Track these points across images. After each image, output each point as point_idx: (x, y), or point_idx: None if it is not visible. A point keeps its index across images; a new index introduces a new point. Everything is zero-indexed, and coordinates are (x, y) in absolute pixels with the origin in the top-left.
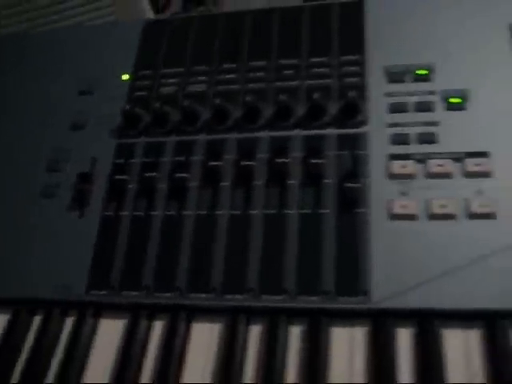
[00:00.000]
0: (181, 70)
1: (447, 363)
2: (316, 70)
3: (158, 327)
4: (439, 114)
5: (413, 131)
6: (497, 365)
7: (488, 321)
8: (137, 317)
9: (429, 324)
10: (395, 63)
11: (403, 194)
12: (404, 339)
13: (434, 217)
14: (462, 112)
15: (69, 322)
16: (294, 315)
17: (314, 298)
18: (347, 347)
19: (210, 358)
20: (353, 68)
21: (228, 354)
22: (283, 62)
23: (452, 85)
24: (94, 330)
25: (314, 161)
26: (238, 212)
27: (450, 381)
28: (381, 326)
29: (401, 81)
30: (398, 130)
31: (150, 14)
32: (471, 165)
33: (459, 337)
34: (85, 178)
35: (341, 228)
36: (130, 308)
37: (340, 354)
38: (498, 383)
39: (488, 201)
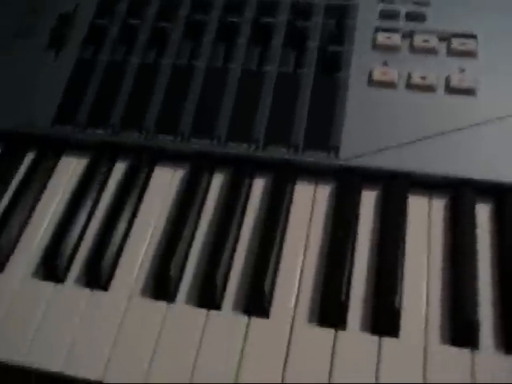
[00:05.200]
0: None
1: (408, 226)
2: None
3: (119, 168)
4: None
5: (403, 8)
6: (458, 234)
7: (453, 188)
8: (100, 156)
9: (394, 187)
10: None
11: (385, 63)
12: (368, 200)
13: (412, 87)
14: None
15: (29, 157)
16: (260, 167)
17: (281, 150)
18: (310, 202)
19: (167, 203)
20: None
21: (186, 200)
22: None
23: None
24: (52, 168)
25: (299, 23)
26: (216, 65)
27: (408, 246)
28: (346, 184)
29: None
30: (389, 6)
31: None
32: (457, 44)
33: (423, 203)
34: (65, 20)
35: (319, 88)
36: (94, 146)
37: (301, 208)
38: (458, 252)
39: (469, 78)
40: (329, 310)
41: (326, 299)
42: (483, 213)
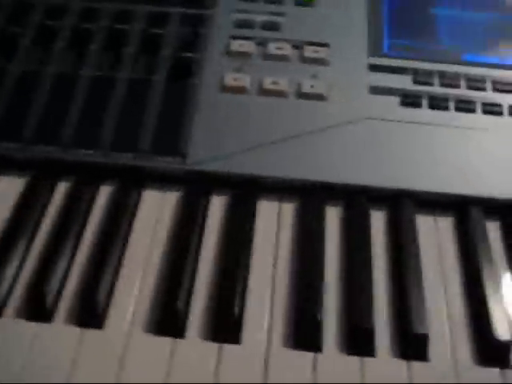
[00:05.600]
0: None
1: (258, 230)
2: None
3: None
4: (287, 7)
5: (258, 18)
6: (305, 236)
7: (301, 192)
8: None
9: (244, 193)
10: None
11: (238, 70)
12: (217, 206)
13: (264, 92)
14: (309, 8)
15: None
16: (108, 173)
17: (127, 155)
18: (156, 209)
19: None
20: None
21: (24, 208)
22: None
23: None
24: None
25: (153, 30)
26: (67, 71)
27: (255, 250)
28: (192, 190)
29: None
30: (245, 15)
31: None
32: (309, 51)
33: (273, 208)
34: None
35: (169, 94)
36: None
37: (148, 214)
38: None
39: (320, 84)
40: (166, 319)
41: (163, 308)
42: (332, 216)
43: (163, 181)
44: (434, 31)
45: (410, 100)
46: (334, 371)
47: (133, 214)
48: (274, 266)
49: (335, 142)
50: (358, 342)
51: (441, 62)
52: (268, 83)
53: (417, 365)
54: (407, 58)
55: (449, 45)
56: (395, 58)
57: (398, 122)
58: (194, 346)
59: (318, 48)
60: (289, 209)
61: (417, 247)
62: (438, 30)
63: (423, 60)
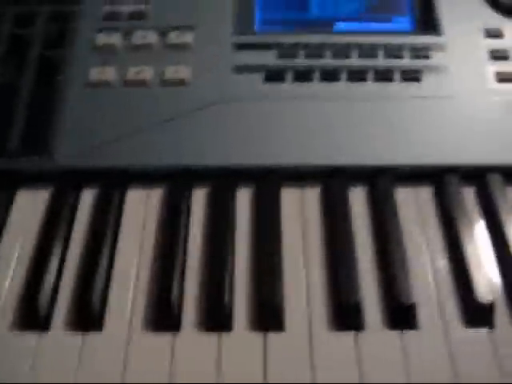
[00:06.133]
0: None
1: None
2: None
3: None
4: None
5: (126, 8)
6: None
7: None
8: None
9: (112, 184)
10: None
11: (104, 63)
12: (87, 201)
13: (128, 83)
14: None
15: None
16: None
17: None
18: (30, 208)
19: None
20: None
21: None
22: None
23: None
24: None
25: (20, 31)
26: None
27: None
28: (62, 187)
29: None
30: (112, 7)
31: None
32: (173, 37)
33: (141, 196)
34: None
35: (37, 94)
36: None
37: (20, 216)
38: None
39: (183, 69)
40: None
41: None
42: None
43: (38, 181)
44: (305, 2)
45: (273, 75)
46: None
47: (4, 217)
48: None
49: (199, 126)
50: (347, 317)
51: (310, 33)
52: (132, 74)
53: (408, 334)
54: (276, 33)
55: (319, 15)
56: (264, 33)
57: (262, 98)
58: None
59: (184, 33)
60: (156, 194)
61: None
62: (308, 2)
63: (291, 33)
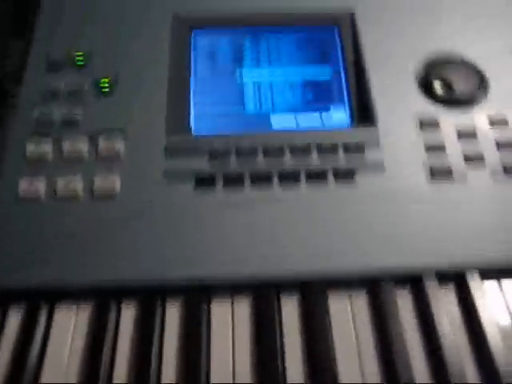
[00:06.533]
0: None
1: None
2: None
3: None
4: (86, 100)
5: (58, 113)
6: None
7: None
8: None
9: (37, 305)
10: (56, 50)
11: (34, 175)
12: (13, 322)
13: (58, 198)
14: (109, 98)
15: None
16: None
17: None
18: None
19: None
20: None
21: None
22: None
23: (103, 72)
24: None
25: None
26: None
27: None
28: None
29: (56, 70)
30: (44, 115)
31: None
32: (103, 145)
33: (69, 315)
34: None
35: None
36: None
37: None
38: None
39: (112, 179)
40: None
41: None
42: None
43: None
44: (241, 97)
45: (203, 181)
46: None
47: None
48: None
49: (126, 240)
50: None
51: (243, 134)
52: (61, 187)
53: None
54: (209, 136)
55: (255, 111)
56: (197, 136)
57: (191, 206)
58: None
59: (114, 141)
60: (85, 314)
61: None
62: (244, 97)
63: (224, 135)
